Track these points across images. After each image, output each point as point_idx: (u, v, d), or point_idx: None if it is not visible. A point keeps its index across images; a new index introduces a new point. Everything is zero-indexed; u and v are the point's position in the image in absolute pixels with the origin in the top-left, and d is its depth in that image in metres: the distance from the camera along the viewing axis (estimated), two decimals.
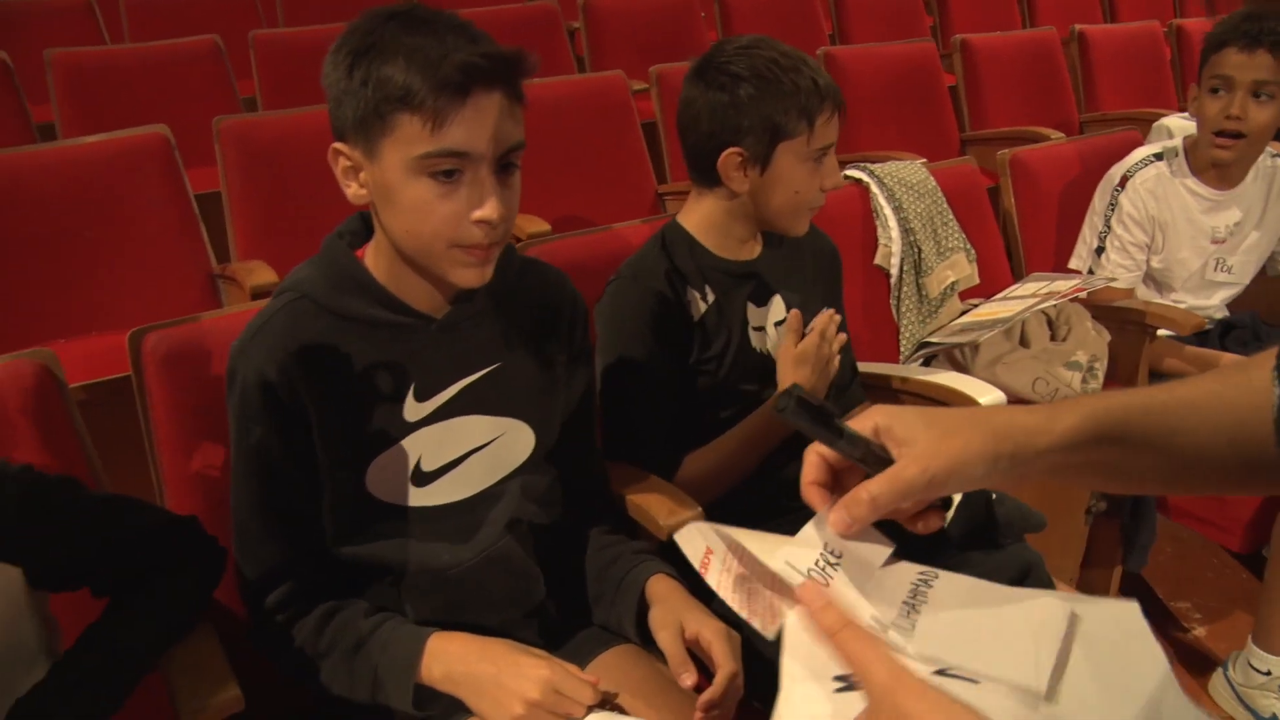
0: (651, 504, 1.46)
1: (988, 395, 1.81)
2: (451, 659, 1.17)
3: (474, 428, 1.29)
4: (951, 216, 2.35)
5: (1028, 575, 1.52)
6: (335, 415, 1.20)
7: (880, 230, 2.28)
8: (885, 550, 0.72)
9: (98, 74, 3.25)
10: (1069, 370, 2.08)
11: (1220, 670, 2.15)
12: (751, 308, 1.64)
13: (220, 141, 2.52)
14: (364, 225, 1.28)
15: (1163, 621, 2.38)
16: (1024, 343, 2.16)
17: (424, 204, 1.11)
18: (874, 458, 0.71)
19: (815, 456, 0.75)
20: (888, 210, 2.26)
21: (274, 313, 1.21)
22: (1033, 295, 2.18)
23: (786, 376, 1.55)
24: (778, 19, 4.36)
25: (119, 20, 4.04)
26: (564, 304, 1.38)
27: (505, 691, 1.13)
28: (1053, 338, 2.18)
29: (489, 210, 1.11)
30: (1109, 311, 2.26)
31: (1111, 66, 4.07)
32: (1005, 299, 2.27)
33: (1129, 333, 2.23)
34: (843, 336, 1.58)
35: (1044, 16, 5.01)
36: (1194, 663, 2.25)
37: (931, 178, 2.36)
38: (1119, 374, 2.25)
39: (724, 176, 1.54)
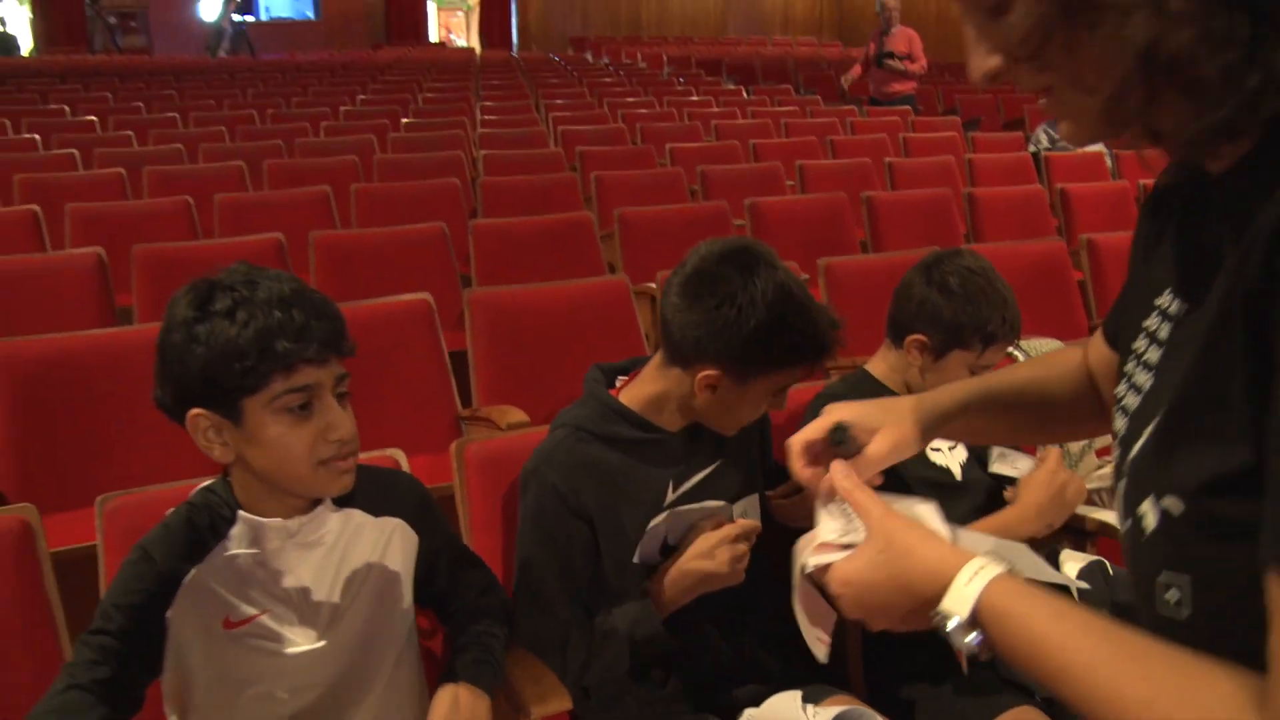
0: None
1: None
2: (665, 600, 1.64)
3: (707, 510, 1.72)
4: None
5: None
6: (612, 513, 1.65)
7: None
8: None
9: (180, 266, 3.64)
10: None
11: None
12: None
13: (470, 309, 3.09)
14: (603, 374, 1.74)
15: None
16: None
17: (758, 407, 1.66)
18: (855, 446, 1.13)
19: (799, 446, 1.14)
20: None
21: (558, 441, 1.67)
22: None
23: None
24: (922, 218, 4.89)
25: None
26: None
27: (707, 578, 1.61)
28: None
29: None
30: None
31: None
32: None
33: None
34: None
35: None
36: None
37: None
38: None
39: (905, 348, 1.99)
